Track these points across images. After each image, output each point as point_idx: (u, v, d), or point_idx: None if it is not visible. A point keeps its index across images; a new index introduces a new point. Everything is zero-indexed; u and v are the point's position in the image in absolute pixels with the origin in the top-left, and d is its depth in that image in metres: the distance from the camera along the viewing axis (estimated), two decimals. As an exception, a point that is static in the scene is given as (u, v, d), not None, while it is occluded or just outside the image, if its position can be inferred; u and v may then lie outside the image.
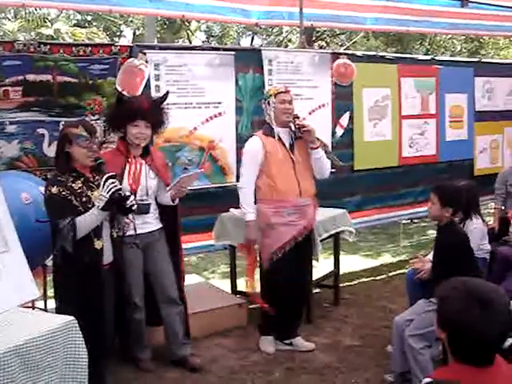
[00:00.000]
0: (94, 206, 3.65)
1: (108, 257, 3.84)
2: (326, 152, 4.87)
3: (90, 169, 3.80)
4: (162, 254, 4.51)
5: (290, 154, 4.73)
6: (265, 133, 4.78)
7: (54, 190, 3.60)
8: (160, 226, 4.53)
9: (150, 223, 4.43)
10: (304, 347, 4.93)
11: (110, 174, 3.65)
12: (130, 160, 4.33)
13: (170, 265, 4.55)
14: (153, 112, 4.38)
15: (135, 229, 4.32)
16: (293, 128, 4.78)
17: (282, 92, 4.77)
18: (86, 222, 3.60)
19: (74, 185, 3.68)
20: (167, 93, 4.64)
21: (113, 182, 3.59)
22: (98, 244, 3.72)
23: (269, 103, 4.77)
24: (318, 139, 4.79)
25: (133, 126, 4.29)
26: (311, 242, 5.02)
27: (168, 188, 4.44)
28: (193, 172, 4.56)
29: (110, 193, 3.58)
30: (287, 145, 4.75)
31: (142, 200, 4.31)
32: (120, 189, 3.64)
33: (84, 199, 3.67)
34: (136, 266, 4.39)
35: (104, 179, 3.61)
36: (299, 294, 4.98)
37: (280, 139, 4.73)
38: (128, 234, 4.31)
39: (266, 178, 4.71)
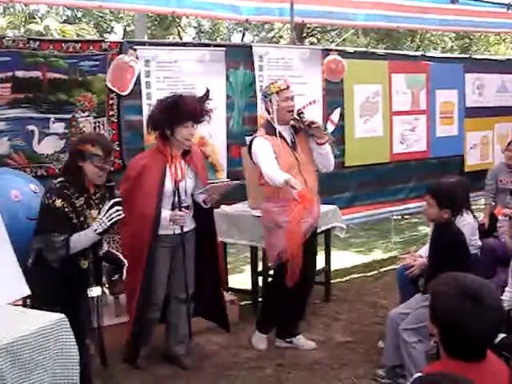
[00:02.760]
0: (88, 225, 3.56)
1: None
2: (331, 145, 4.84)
3: (93, 184, 3.69)
4: (187, 254, 4.48)
5: (293, 151, 4.66)
6: (267, 132, 4.67)
7: (59, 203, 3.47)
8: (193, 226, 4.52)
9: (185, 222, 4.43)
10: (306, 346, 4.92)
11: (117, 200, 3.54)
12: (171, 161, 4.31)
13: (192, 267, 4.54)
14: (202, 113, 4.38)
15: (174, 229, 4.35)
16: (299, 124, 4.70)
17: (284, 89, 4.67)
18: (80, 242, 3.50)
19: (77, 201, 3.57)
20: (208, 91, 4.55)
21: (117, 210, 3.48)
22: (83, 264, 3.65)
23: (270, 101, 4.66)
24: (325, 134, 4.76)
25: (183, 128, 4.26)
26: (316, 239, 5.02)
27: (198, 192, 4.44)
28: (220, 183, 4.50)
29: (111, 221, 3.48)
30: (289, 142, 4.68)
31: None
32: (122, 218, 3.55)
33: (82, 218, 3.58)
34: (165, 266, 4.41)
35: (110, 205, 3.49)
36: (305, 292, 4.97)
37: (282, 137, 4.66)
38: (165, 233, 4.33)
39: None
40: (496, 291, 2.14)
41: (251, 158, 4.74)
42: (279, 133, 4.64)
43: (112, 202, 3.51)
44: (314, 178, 4.80)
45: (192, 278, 4.55)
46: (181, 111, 4.24)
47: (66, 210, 3.50)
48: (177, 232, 4.34)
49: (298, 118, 4.70)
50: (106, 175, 3.66)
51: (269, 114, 4.72)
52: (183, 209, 4.32)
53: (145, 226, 4.24)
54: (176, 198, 4.30)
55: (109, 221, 3.47)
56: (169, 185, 4.29)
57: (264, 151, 4.59)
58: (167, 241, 4.36)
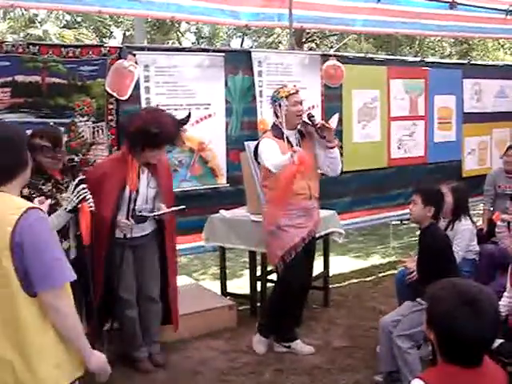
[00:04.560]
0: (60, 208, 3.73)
1: (72, 253, 3.95)
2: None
3: (60, 170, 3.91)
4: (149, 253, 4.55)
5: None
6: (274, 135, 4.69)
7: (25, 191, 3.60)
8: (154, 227, 4.54)
9: (144, 227, 4.47)
10: (304, 351, 4.91)
11: (81, 177, 3.74)
12: (133, 169, 4.32)
13: (155, 264, 4.58)
14: (175, 139, 4.40)
15: (131, 233, 4.37)
16: (309, 128, 4.70)
17: (293, 93, 4.68)
18: (53, 223, 3.57)
19: (44, 187, 3.78)
20: (189, 115, 4.59)
21: (84, 188, 3.67)
22: (65, 245, 3.80)
23: (279, 105, 4.66)
24: (335, 138, 4.74)
25: (152, 151, 4.28)
26: (315, 245, 5.05)
27: (153, 215, 4.41)
28: (176, 208, 4.47)
29: (79, 198, 3.65)
30: (295, 147, 4.64)
31: (140, 211, 4.36)
32: (89, 198, 3.70)
33: (52, 201, 3.66)
34: (126, 263, 4.42)
35: (76, 183, 3.68)
36: (304, 296, 5.01)
37: (288, 142, 4.65)
38: (120, 236, 4.36)
39: (277, 180, 4.60)
40: (494, 297, 2.14)
41: (256, 159, 4.76)
42: (286, 137, 4.64)
43: (77, 180, 3.71)
44: (317, 184, 4.82)
45: (156, 278, 4.59)
46: (158, 140, 4.22)
47: (34, 195, 3.60)
48: (133, 235, 4.38)
49: (309, 121, 4.68)
50: (61, 162, 3.92)
51: (277, 117, 4.72)
52: (131, 218, 4.32)
53: (102, 227, 4.17)
54: (131, 205, 4.32)
55: (77, 198, 3.66)
56: (127, 192, 4.31)
57: (269, 148, 4.59)
58: (124, 241, 4.40)
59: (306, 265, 4.87)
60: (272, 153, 4.54)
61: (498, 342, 3.46)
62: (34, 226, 2.22)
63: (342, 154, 6.54)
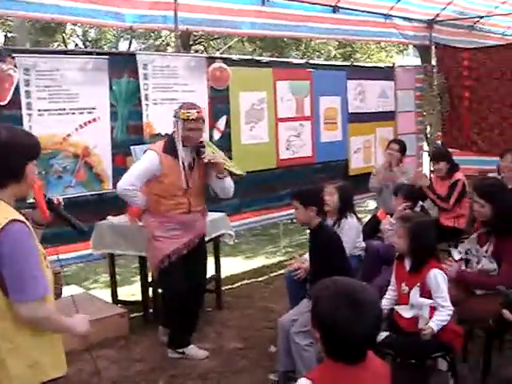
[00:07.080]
0: None
1: None
2: (230, 174, 4.84)
3: None
4: None
5: (186, 175, 4.60)
6: (165, 150, 4.61)
7: None
8: None
9: None
10: (198, 356, 4.89)
11: None
12: None
13: None
14: None
15: None
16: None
17: (192, 120, 4.54)
18: None
19: None
20: None
21: None
22: None
23: (177, 122, 4.57)
24: (225, 169, 4.73)
25: None
26: (204, 250, 5.04)
27: None
28: None
29: None
30: (186, 164, 4.62)
31: None
32: None
33: None
34: None
35: None
36: (195, 302, 4.96)
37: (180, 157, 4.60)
38: None
39: (156, 193, 4.62)
40: (376, 295, 2.20)
41: None
42: (181, 157, 4.59)
43: None
44: (201, 199, 4.86)
45: None
46: None
47: None
48: None
49: (199, 150, 4.65)
50: None
51: (174, 131, 4.64)
52: None
53: None
54: None
55: None
56: None
57: (139, 164, 4.69)
58: None
59: (193, 270, 4.83)
60: (135, 169, 4.65)
61: (383, 335, 3.57)
62: (14, 239, 2.31)
63: (231, 158, 6.63)
